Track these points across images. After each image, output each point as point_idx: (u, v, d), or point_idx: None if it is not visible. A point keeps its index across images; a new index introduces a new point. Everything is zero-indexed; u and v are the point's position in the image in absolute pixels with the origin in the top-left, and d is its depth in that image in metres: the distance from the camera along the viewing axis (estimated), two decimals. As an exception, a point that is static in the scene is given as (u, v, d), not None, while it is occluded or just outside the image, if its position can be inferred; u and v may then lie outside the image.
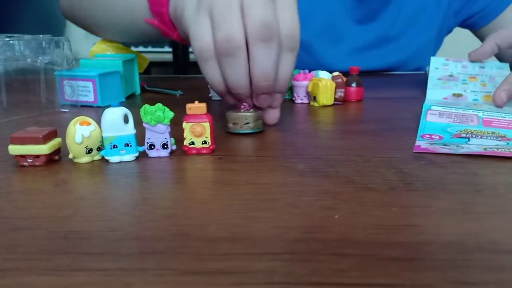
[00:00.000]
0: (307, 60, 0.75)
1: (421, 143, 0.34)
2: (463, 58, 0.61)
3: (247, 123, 0.38)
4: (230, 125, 0.38)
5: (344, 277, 0.17)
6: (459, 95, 0.53)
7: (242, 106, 0.38)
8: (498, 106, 0.46)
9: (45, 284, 0.17)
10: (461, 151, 0.32)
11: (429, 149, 0.32)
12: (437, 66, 0.60)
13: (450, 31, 0.81)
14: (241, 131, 0.38)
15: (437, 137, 0.36)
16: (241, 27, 0.34)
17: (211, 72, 0.37)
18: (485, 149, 0.32)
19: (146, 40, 0.60)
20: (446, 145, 0.33)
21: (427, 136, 0.36)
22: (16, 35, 0.47)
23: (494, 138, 0.35)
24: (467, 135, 0.36)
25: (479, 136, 0.35)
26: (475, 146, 0.33)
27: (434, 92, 0.54)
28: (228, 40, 0.34)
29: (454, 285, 0.17)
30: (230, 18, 0.34)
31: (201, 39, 0.36)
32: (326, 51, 0.76)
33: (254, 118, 0.38)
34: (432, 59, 0.61)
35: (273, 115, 0.41)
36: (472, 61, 0.59)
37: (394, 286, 0.17)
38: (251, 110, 0.38)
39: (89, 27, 0.65)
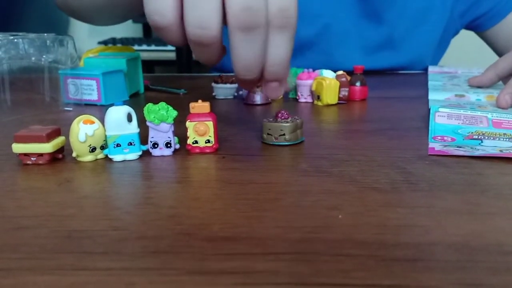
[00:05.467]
0: (312, 60, 0.75)
1: (435, 145, 0.34)
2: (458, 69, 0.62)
3: (283, 135, 0.34)
4: (264, 135, 0.35)
5: (348, 278, 0.17)
6: (461, 96, 0.52)
7: (280, 115, 0.35)
8: (504, 109, 0.45)
9: (48, 283, 0.17)
10: (476, 153, 0.32)
11: (444, 151, 0.32)
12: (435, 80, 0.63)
13: (456, 33, 0.81)
14: (276, 143, 0.35)
15: (449, 139, 0.35)
16: (218, 12, 0.28)
17: (172, 38, 0.30)
18: (501, 151, 0.32)
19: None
20: (460, 147, 0.33)
21: (439, 138, 0.36)
22: (20, 33, 0.47)
23: (507, 139, 0.35)
24: (479, 137, 0.35)
25: (491, 138, 0.35)
26: (490, 147, 0.33)
27: (435, 94, 0.54)
28: (200, 27, 0.28)
29: (458, 286, 0.17)
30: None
31: (157, 3, 0.29)
32: (333, 51, 0.76)
33: (291, 129, 0.34)
34: (430, 75, 0.63)
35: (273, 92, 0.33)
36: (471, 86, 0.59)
37: (399, 287, 0.17)
38: (289, 119, 0.35)
39: (80, 11, 0.61)
